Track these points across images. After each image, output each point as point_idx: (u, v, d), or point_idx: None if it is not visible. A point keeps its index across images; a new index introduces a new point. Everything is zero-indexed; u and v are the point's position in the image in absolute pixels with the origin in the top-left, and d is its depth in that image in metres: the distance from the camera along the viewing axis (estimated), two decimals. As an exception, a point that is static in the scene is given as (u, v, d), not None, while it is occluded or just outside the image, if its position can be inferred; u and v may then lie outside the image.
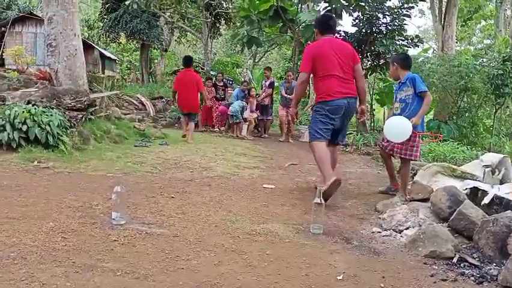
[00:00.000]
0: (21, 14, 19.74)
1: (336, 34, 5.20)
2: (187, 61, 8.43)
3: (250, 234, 3.07)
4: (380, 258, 2.80)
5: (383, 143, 4.52)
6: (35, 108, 5.36)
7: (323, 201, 3.22)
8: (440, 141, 6.65)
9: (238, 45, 15.97)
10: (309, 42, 10.93)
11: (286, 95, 10.09)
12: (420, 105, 4.20)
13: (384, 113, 14.50)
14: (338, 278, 2.43)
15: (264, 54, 29.19)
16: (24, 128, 5.09)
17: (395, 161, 4.84)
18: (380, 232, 3.35)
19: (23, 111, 5.18)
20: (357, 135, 9.52)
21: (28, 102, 5.66)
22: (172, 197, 3.88)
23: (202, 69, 17.75)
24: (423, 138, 5.19)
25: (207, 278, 2.29)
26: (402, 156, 4.29)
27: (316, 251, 2.84)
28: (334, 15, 6.25)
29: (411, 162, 4.43)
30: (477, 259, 2.75)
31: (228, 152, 7.15)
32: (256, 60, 28.82)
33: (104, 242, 2.68)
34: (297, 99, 4.99)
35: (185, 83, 8.03)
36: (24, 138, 5.12)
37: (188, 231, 3.02)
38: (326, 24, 4.54)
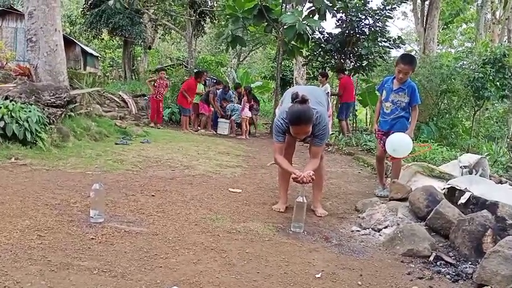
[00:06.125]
0: (1, 8, 19.34)
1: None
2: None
3: (230, 232, 3.06)
4: (358, 257, 2.82)
5: (381, 140, 4.57)
6: (13, 104, 5.25)
7: (305, 200, 3.24)
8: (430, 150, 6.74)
9: (223, 44, 15.91)
10: (292, 42, 10.98)
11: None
12: (408, 113, 4.45)
13: (366, 114, 14.62)
14: (317, 276, 2.44)
15: (248, 54, 29.22)
16: (2, 124, 4.98)
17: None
18: (359, 231, 3.38)
19: (1, 107, 5.07)
20: (339, 135, 9.58)
21: (6, 98, 5.53)
22: (153, 196, 3.85)
23: (185, 67, 17.63)
24: (414, 150, 5.28)
25: (185, 277, 2.27)
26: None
27: (295, 249, 2.85)
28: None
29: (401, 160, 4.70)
30: (453, 257, 2.80)
31: (211, 150, 7.12)
32: (240, 60, 28.81)
33: (81, 240, 2.64)
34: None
35: None
36: (2, 134, 5.01)
37: (167, 229, 2.99)
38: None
